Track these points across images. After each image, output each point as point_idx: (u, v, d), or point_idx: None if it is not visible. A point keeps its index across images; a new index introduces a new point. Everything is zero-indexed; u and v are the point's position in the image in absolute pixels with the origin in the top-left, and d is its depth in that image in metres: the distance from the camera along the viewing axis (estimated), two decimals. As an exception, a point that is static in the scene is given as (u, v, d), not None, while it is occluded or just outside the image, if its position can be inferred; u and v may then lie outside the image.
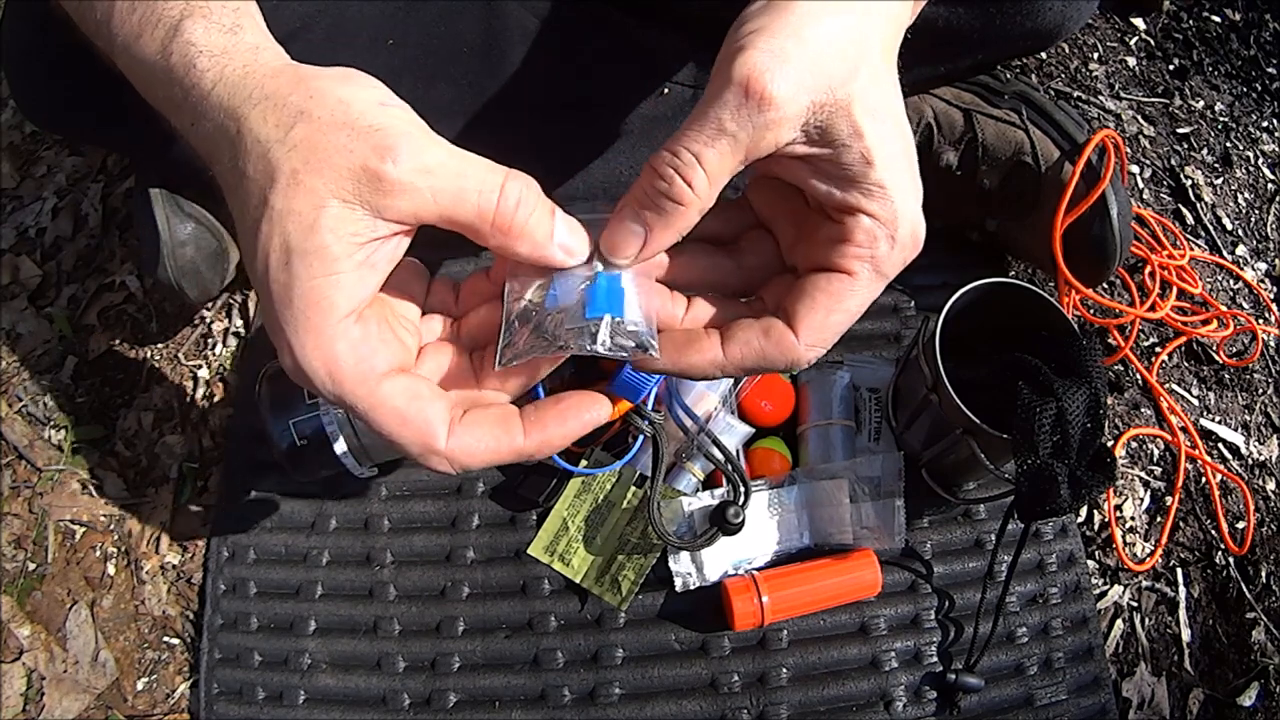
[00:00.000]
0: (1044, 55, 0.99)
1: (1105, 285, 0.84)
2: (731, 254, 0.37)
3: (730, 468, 0.65)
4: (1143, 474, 0.78)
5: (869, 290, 0.33)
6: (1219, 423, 0.81)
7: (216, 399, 0.78)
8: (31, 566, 0.72)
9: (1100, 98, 0.97)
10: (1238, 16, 1.06)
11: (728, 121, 0.30)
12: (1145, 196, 0.91)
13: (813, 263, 0.33)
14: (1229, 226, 0.91)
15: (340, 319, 0.30)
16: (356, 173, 0.29)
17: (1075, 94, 0.96)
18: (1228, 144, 0.96)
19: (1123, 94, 0.98)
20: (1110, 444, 0.76)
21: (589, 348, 0.31)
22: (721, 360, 0.34)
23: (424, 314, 0.37)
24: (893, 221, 0.32)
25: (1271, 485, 0.79)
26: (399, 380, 0.32)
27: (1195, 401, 0.82)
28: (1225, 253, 0.89)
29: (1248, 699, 0.69)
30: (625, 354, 0.32)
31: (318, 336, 0.30)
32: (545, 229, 0.32)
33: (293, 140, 0.29)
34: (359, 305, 0.31)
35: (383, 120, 0.30)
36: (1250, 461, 0.80)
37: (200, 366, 0.79)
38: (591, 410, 0.34)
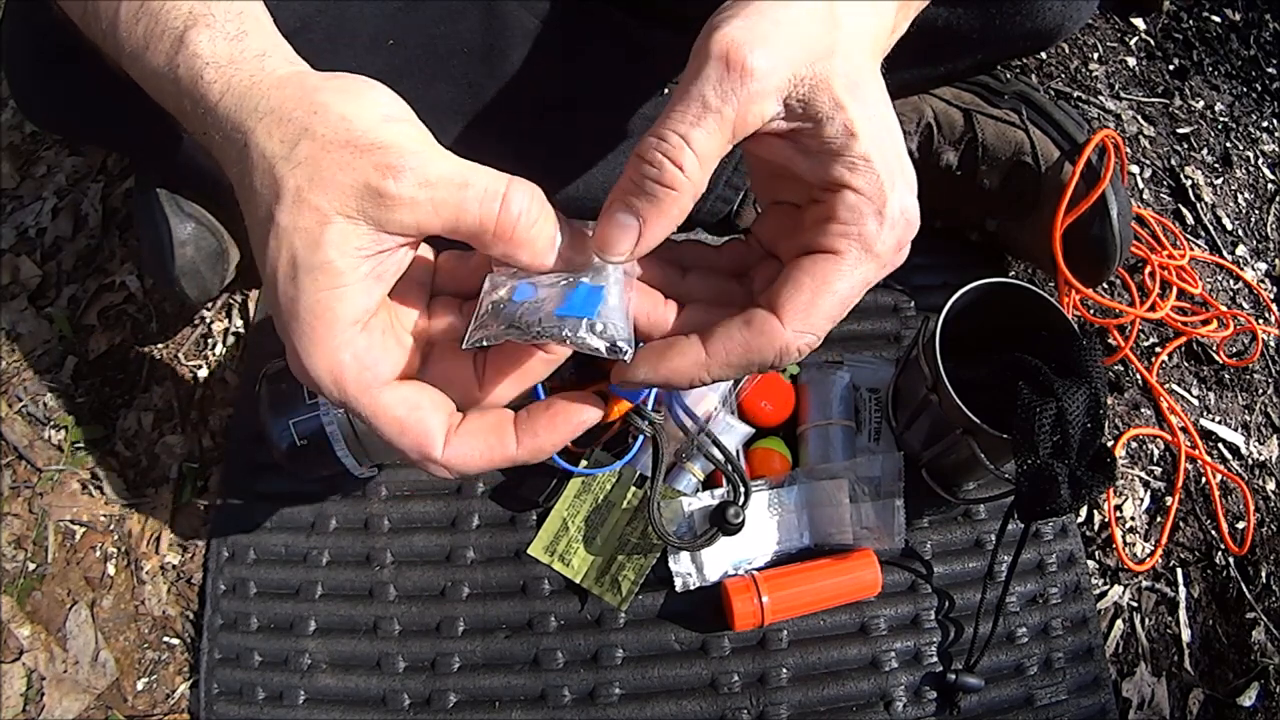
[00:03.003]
0: (1044, 55, 0.99)
1: (1105, 285, 0.84)
2: (740, 280, 0.36)
3: (730, 468, 0.65)
4: (1143, 474, 0.78)
5: (859, 271, 0.31)
6: (1219, 423, 0.81)
7: (216, 399, 0.78)
8: (31, 566, 0.72)
9: (1100, 98, 0.97)
10: (1238, 16, 1.06)
11: (711, 97, 0.29)
12: (1145, 196, 0.91)
13: (800, 248, 0.32)
14: (1229, 226, 0.91)
15: (345, 329, 0.31)
16: (359, 190, 0.29)
17: (1075, 94, 0.96)
18: (1228, 144, 0.96)
19: (1123, 94, 0.98)
20: (1110, 444, 0.76)
21: (562, 339, 0.31)
22: (704, 360, 0.32)
23: (434, 296, 0.37)
24: (879, 196, 0.30)
25: (1271, 485, 0.79)
26: (401, 389, 0.32)
27: (1195, 401, 0.82)
28: (1225, 253, 0.89)
29: (1248, 699, 0.69)
30: (599, 352, 0.31)
31: (323, 347, 0.30)
32: (547, 237, 0.32)
33: (297, 157, 0.30)
34: (364, 315, 0.31)
35: (385, 137, 0.30)
36: (1250, 461, 0.80)
37: (200, 366, 0.79)
38: (582, 414, 0.34)
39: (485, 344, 0.32)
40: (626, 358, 0.32)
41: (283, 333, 0.31)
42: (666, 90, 0.69)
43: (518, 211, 0.31)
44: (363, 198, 0.29)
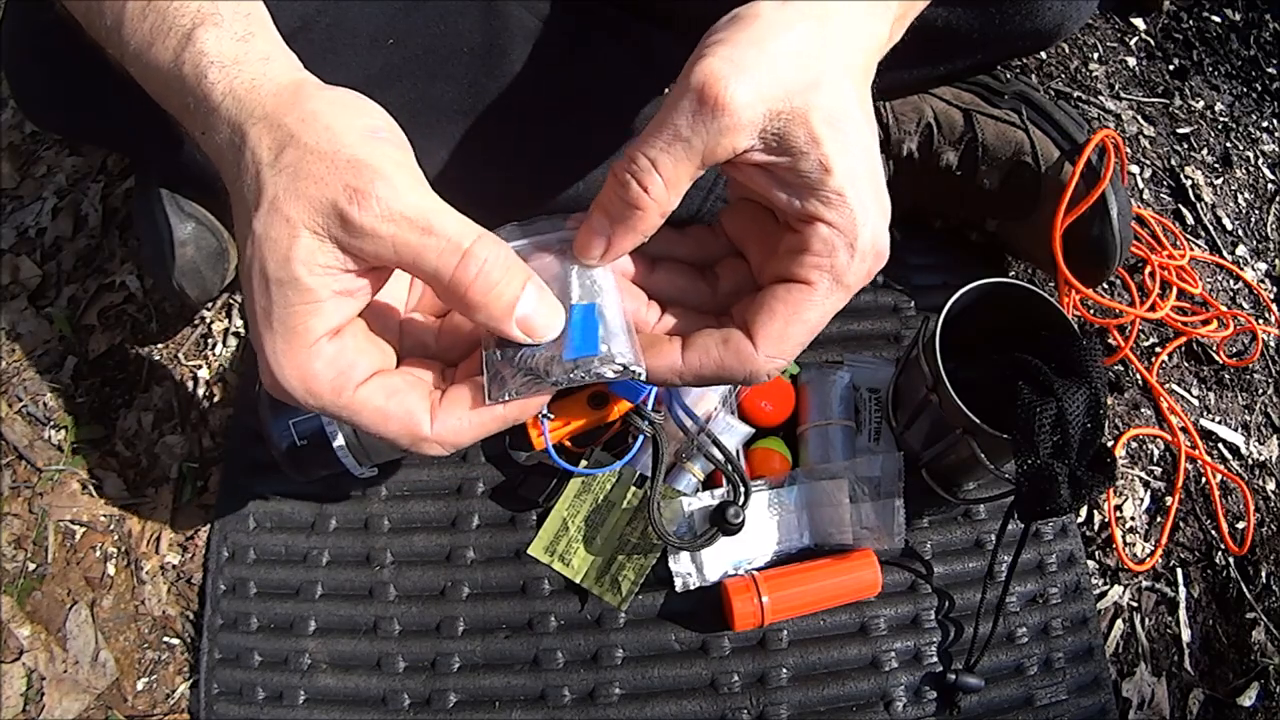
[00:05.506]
0: (1044, 55, 0.99)
1: (1105, 285, 0.84)
2: (707, 278, 0.38)
3: (730, 468, 0.65)
4: (1143, 474, 0.78)
5: (829, 301, 0.32)
6: (1219, 423, 0.81)
7: (216, 399, 0.78)
8: (31, 566, 0.72)
9: (1100, 98, 0.97)
10: (1238, 16, 1.06)
11: (683, 128, 0.30)
12: (1145, 196, 0.91)
13: (774, 274, 0.34)
14: (1229, 226, 0.91)
15: (316, 340, 0.31)
16: (326, 208, 0.29)
17: (1075, 94, 0.96)
18: (1228, 144, 0.96)
19: (1123, 94, 0.98)
20: (1110, 444, 0.76)
21: (580, 379, 0.32)
22: (679, 366, 0.34)
23: (407, 310, 0.37)
24: (851, 230, 0.31)
25: (1271, 485, 0.79)
26: (374, 381, 0.32)
27: (1195, 401, 0.82)
28: (1225, 253, 0.89)
29: (1248, 699, 0.69)
30: (616, 377, 0.33)
31: (294, 357, 0.30)
32: (505, 302, 0.31)
33: (281, 164, 0.30)
34: (338, 326, 0.31)
35: (364, 154, 0.30)
36: (1250, 461, 0.80)
37: (200, 366, 0.79)
38: None
39: (509, 398, 0.33)
40: (641, 376, 0.33)
41: (255, 341, 0.31)
42: (668, 91, 0.69)
43: (476, 270, 0.30)
44: (329, 216, 0.29)
